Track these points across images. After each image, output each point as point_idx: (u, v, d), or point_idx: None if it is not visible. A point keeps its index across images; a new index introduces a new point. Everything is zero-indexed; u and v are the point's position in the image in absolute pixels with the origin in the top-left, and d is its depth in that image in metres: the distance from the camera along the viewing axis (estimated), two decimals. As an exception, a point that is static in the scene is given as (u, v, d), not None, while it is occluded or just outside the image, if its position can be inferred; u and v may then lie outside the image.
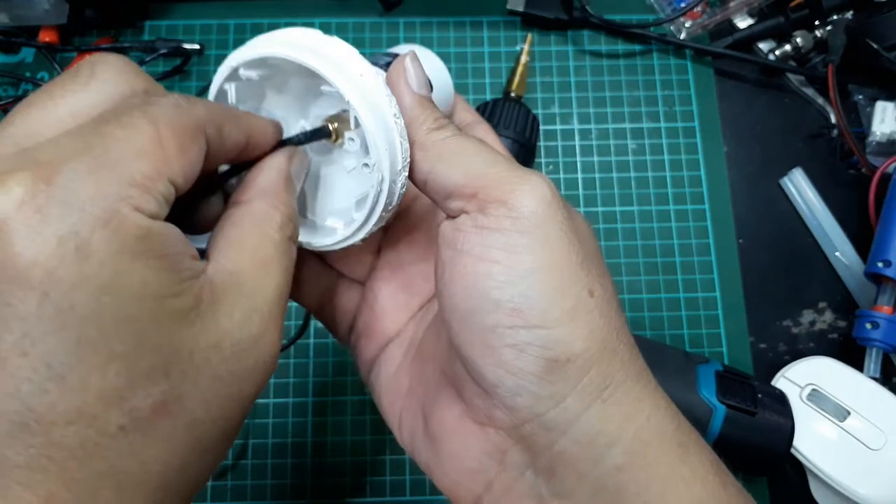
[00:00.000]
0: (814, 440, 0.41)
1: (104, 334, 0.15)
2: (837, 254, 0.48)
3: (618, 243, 0.48)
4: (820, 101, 0.51)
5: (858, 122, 0.50)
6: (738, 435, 0.38)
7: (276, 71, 0.23)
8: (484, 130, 0.30)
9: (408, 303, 0.27)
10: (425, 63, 0.23)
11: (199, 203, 0.21)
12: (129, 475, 0.16)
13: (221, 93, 0.23)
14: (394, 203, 0.23)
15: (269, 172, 0.21)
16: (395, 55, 0.24)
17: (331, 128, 0.23)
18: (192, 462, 0.17)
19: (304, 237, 0.24)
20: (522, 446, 0.20)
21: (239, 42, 0.22)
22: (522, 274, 0.19)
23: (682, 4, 0.50)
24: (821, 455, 0.41)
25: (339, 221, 0.24)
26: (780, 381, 0.44)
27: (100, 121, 0.16)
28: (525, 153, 0.47)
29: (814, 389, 0.42)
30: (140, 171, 0.16)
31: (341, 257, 0.27)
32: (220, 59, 0.22)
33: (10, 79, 0.50)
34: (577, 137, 0.50)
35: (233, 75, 0.22)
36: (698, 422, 0.38)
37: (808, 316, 0.47)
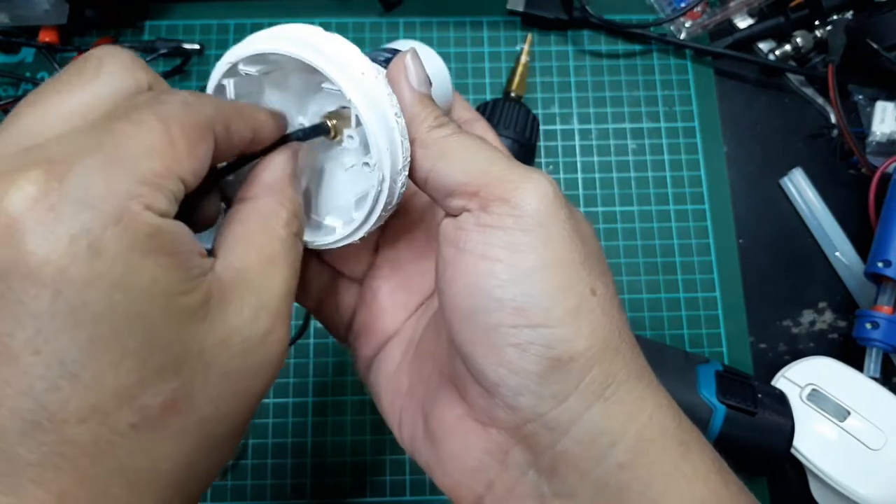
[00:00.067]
0: (814, 440, 0.41)
1: (116, 332, 0.15)
2: (837, 254, 0.48)
3: (618, 243, 0.48)
4: (820, 101, 0.51)
5: (858, 122, 0.50)
6: (738, 435, 0.38)
7: (275, 67, 0.23)
8: (483, 128, 0.30)
9: (406, 301, 0.27)
10: (424, 60, 0.23)
11: (199, 200, 0.21)
12: (140, 473, 0.16)
13: (220, 88, 0.22)
14: (394, 202, 0.22)
15: (274, 169, 0.21)
16: (395, 51, 0.24)
17: (330, 125, 0.23)
18: (200, 459, 0.17)
19: (303, 236, 0.24)
20: (524, 446, 0.20)
21: (239, 42, 0.22)
22: (525, 272, 0.19)
23: (682, 4, 0.50)
24: (821, 455, 0.41)
25: (338, 220, 0.24)
26: (780, 381, 0.44)
27: (110, 118, 0.16)
28: (525, 153, 0.47)
29: (814, 389, 0.42)
30: (151, 168, 0.16)
31: (339, 255, 0.27)
32: (219, 59, 0.22)
33: (10, 79, 0.49)
34: (577, 137, 0.50)
35: (232, 71, 0.22)
36: (698, 422, 0.38)
37: (808, 316, 0.47)
